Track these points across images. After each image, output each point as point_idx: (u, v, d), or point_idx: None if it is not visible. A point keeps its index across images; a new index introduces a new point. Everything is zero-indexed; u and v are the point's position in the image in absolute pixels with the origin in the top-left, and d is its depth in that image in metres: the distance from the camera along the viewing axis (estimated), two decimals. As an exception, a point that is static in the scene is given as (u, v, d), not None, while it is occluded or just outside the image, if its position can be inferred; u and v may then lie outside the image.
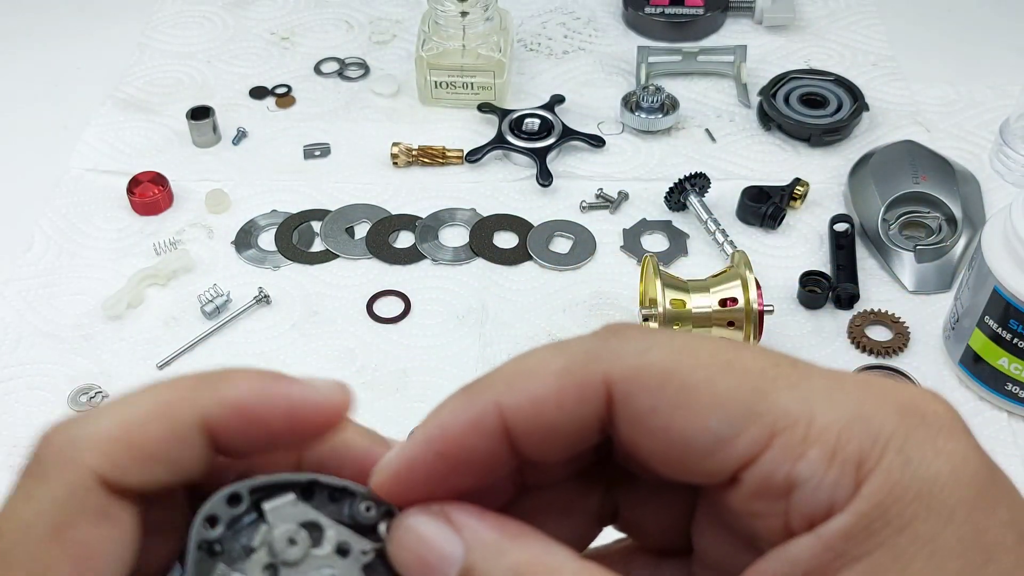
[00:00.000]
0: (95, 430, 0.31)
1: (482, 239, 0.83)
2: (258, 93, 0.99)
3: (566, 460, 0.30)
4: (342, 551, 0.32)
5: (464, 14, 0.92)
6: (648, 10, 1.05)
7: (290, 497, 0.32)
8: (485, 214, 0.86)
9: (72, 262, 0.83)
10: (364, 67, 1.02)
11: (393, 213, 0.86)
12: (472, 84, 0.95)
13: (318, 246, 0.84)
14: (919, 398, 0.26)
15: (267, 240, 0.84)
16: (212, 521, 0.31)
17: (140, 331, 0.77)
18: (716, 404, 0.26)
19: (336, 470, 0.33)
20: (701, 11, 1.05)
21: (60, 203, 0.88)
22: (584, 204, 0.86)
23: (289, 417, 0.32)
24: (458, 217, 0.86)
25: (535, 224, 0.84)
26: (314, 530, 0.32)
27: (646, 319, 0.72)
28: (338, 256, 0.83)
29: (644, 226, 0.85)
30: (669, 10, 1.04)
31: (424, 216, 0.85)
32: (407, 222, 0.85)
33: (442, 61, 0.94)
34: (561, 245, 0.84)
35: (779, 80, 0.95)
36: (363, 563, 0.33)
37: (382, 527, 0.33)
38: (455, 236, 0.85)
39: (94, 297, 0.79)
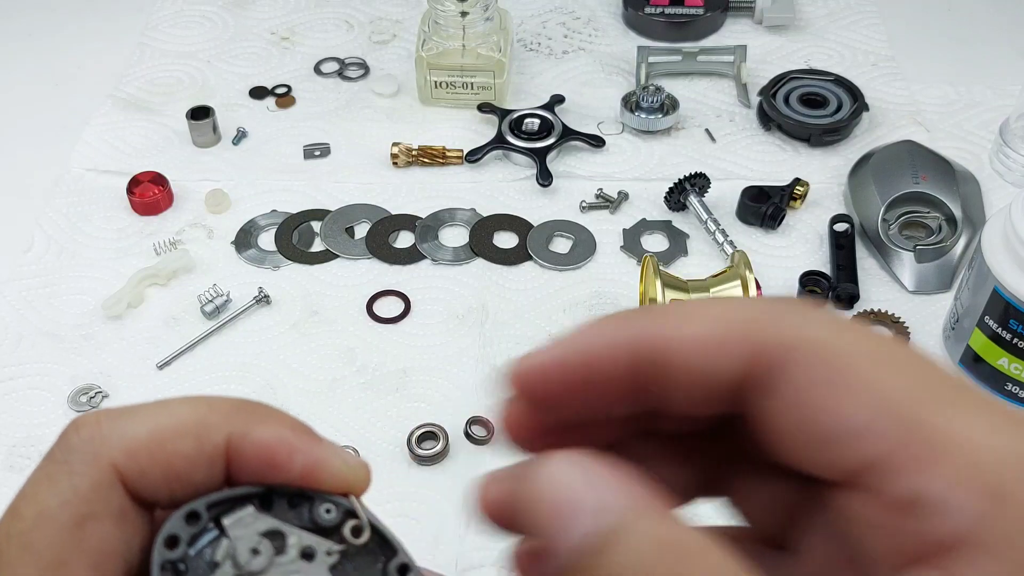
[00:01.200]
0: (127, 431, 0.31)
1: (482, 239, 0.83)
2: (258, 93, 0.99)
3: (689, 416, 0.28)
4: (307, 555, 0.32)
5: (464, 14, 0.92)
6: (648, 10, 1.05)
7: (249, 509, 0.32)
8: (485, 214, 0.86)
9: (72, 262, 0.83)
10: (364, 67, 1.02)
11: (393, 213, 0.86)
12: (472, 84, 0.95)
13: (318, 246, 0.84)
14: None
15: (267, 240, 0.84)
16: (172, 542, 0.31)
17: (140, 331, 0.77)
18: (871, 397, 0.24)
19: (285, 476, 0.33)
20: (701, 11, 1.05)
21: (60, 203, 0.88)
22: (584, 204, 0.86)
23: (304, 476, 0.32)
24: (458, 217, 0.86)
25: (535, 224, 0.84)
26: (276, 538, 0.32)
27: (646, 319, 0.72)
28: (338, 256, 0.83)
29: (644, 226, 0.85)
30: (669, 10, 1.04)
31: (424, 216, 0.85)
32: (407, 222, 0.85)
33: (442, 61, 0.94)
34: (561, 245, 0.84)
35: (779, 80, 0.95)
36: (329, 564, 0.33)
37: (345, 528, 0.33)
38: (455, 236, 0.85)
39: (94, 297, 0.79)
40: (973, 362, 0.70)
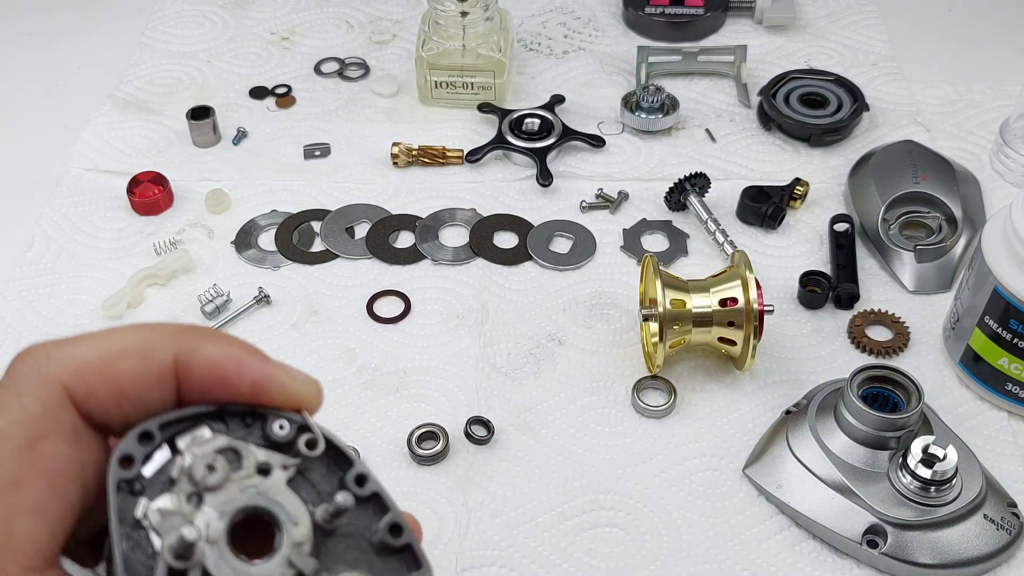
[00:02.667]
0: (73, 353, 0.31)
1: (482, 239, 0.83)
2: (258, 93, 0.99)
3: None
4: (263, 470, 0.33)
5: (464, 14, 0.92)
6: (648, 10, 1.05)
7: (203, 428, 0.32)
8: (485, 214, 0.86)
9: (72, 262, 0.83)
10: (364, 67, 1.02)
11: (393, 213, 0.86)
12: (472, 84, 0.95)
13: (318, 246, 0.84)
14: None
15: (267, 240, 0.84)
16: (127, 461, 0.31)
17: (140, 331, 0.77)
18: None
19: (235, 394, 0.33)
20: (701, 11, 1.05)
21: (60, 203, 0.88)
22: (584, 204, 0.86)
23: (254, 392, 0.33)
24: (458, 217, 0.86)
25: (535, 224, 0.84)
26: (232, 455, 0.32)
27: (646, 319, 0.72)
28: (338, 256, 0.83)
29: (644, 226, 0.85)
30: (669, 10, 1.04)
31: (424, 216, 0.85)
32: (407, 222, 0.85)
33: (442, 61, 0.94)
34: (561, 245, 0.84)
35: (779, 80, 0.95)
36: (286, 478, 0.33)
37: (300, 443, 0.33)
38: (455, 236, 0.85)
39: (94, 297, 0.79)
40: (973, 362, 0.70)
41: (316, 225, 0.85)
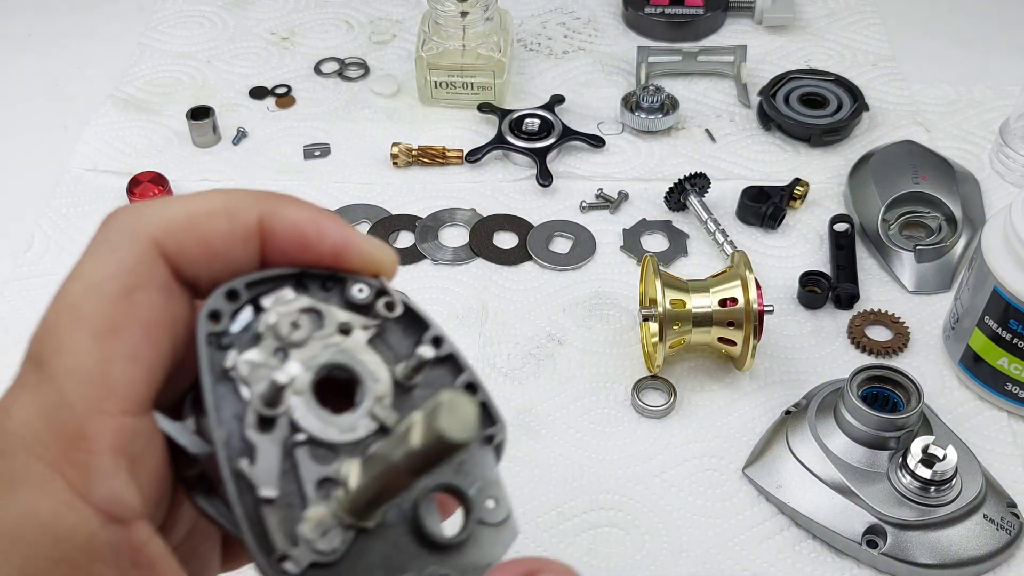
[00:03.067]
0: (163, 212, 0.33)
1: (482, 239, 0.83)
2: (258, 93, 0.99)
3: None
4: (344, 330, 0.34)
5: (464, 14, 0.92)
6: (648, 10, 1.05)
7: (286, 289, 0.34)
8: (485, 214, 0.86)
9: (72, 262, 0.82)
10: (364, 67, 1.02)
11: (393, 213, 0.86)
12: (472, 84, 0.95)
13: (318, 246, 0.84)
14: None
15: (267, 240, 0.84)
16: (215, 316, 0.32)
17: (140, 331, 0.77)
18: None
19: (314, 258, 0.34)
20: (701, 11, 1.05)
21: (60, 203, 0.88)
22: (584, 204, 0.86)
23: (334, 254, 0.34)
24: (458, 217, 0.86)
25: (535, 224, 0.84)
26: (314, 315, 0.34)
27: (646, 319, 0.72)
28: (338, 256, 0.82)
29: (644, 226, 0.85)
30: (669, 10, 1.04)
31: (424, 216, 0.85)
32: (407, 222, 0.85)
33: (442, 61, 0.94)
34: (561, 245, 0.84)
35: (779, 80, 0.95)
36: (367, 338, 0.34)
37: (379, 305, 0.35)
38: (455, 236, 0.85)
39: (94, 297, 0.79)
40: (973, 362, 0.70)
41: (316, 225, 0.85)
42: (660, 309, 0.68)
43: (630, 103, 0.93)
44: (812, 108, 0.93)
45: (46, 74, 1.04)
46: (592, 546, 0.63)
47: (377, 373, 0.34)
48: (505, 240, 0.84)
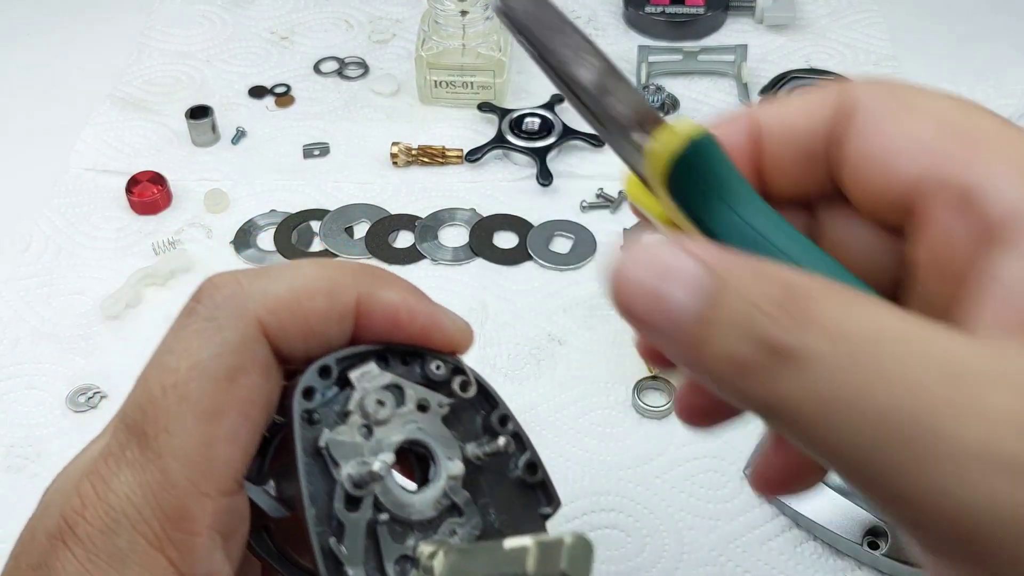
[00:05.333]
0: (268, 289, 0.33)
1: (482, 239, 0.83)
2: (257, 92, 0.99)
3: (792, 178, 0.32)
4: (422, 407, 0.35)
5: (464, 13, 0.91)
6: (648, 9, 1.04)
7: (371, 365, 0.35)
8: (485, 214, 0.85)
9: (70, 262, 0.82)
10: (364, 66, 1.02)
11: (392, 213, 0.86)
12: (472, 83, 0.94)
13: (317, 246, 0.83)
14: None
15: (266, 240, 0.84)
16: (309, 393, 0.33)
17: (139, 331, 0.77)
18: (920, 120, 0.28)
19: (400, 335, 0.35)
20: (702, 10, 1.04)
21: (58, 203, 0.87)
22: (584, 204, 0.86)
23: (422, 335, 0.35)
24: (458, 217, 0.85)
25: (535, 224, 0.84)
26: (396, 392, 0.35)
27: (647, 319, 0.72)
28: (337, 256, 0.82)
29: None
30: (670, 9, 1.04)
31: (424, 216, 0.85)
32: (406, 222, 0.85)
33: (442, 60, 0.93)
34: (561, 245, 0.83)
35: (780, 79, 0.95)
36: (442, 415, 0.36)
37: (455, 383, 0.36)
38: (455, 236, 0.84)
39: (92, 297, 0.79)
40: (975, 363, 0.69)
41: (315, 225, 0.85)
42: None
43: (631, 102, 0.93)
44: (813, 107, 0.92)
45: (44, 73, 1.04)
46: (592, 547, 0.63)
47: (450, 451, 0.36)
48: (505, 240, 0.84)
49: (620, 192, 0.87)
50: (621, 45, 1.04)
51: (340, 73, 1.01)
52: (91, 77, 1.02)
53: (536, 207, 0.86)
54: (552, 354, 0.75)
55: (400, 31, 1.07)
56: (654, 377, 0.72)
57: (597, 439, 0.69)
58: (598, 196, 0.87)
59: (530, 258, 0.82)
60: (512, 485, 0.37)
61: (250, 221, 0.85)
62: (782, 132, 0.31)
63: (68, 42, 1.08)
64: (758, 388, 0.24)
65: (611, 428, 0.70)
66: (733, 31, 1.06)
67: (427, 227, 0.84)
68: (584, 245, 0.83)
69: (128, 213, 0.86)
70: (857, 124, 0.29)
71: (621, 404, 0.71)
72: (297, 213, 0.86)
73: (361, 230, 0.85)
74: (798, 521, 0.63)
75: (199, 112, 0.92)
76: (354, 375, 0.34)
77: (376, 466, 0.32)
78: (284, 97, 0.98)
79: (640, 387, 0.71)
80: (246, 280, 0.33)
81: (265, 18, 1.09)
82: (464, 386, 0.37)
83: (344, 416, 0.34)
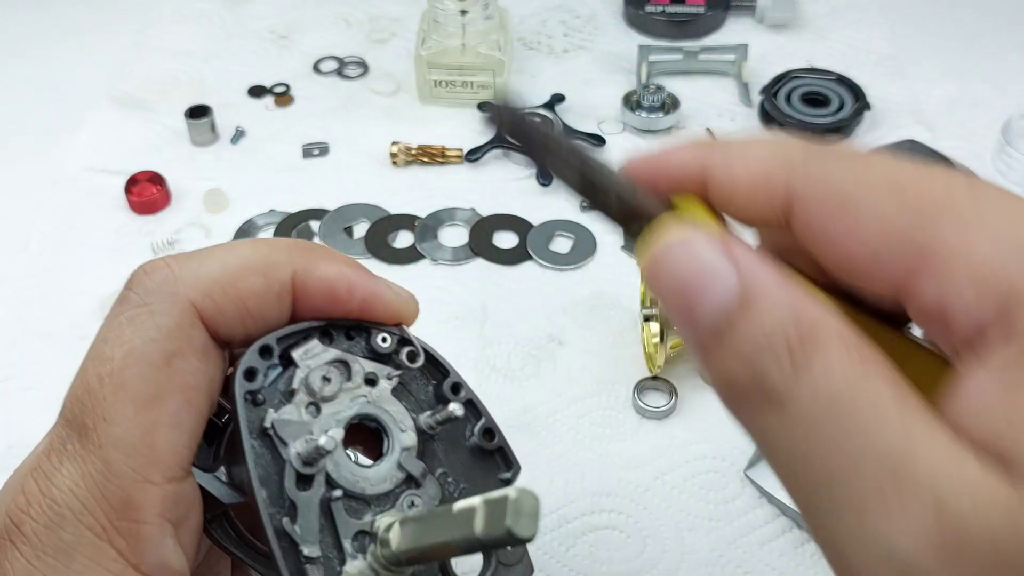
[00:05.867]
0: (200, 271, 0.32)
1: (482, 239, 0.83)
2: (256, 92, 0.99)
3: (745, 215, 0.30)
4: (370, 381, 0.35)
5: (464, 12, 0.91)
6: (649, 8, 1.04)
7: (313, 342, 0.34)
8: (485, 214, 0.85)
9: (69, 261, 0.82)
10: (363, 66, 1.02)
11: (392, 213, 0.85)
12: (472, 83, 0.94)
13: (317, 246, 0.83)
14: None
15: (265, 240, 0.84)
16: (251, 374, 0.33)
17: (137, 331, 0.76)
18: (877, 229, 0.26)
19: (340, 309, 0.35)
20: (702, 10, 1.04)
21: (57, 202, 0.87)
22: (585, 204, 0.86)
23: (363, 307, 0.35)
24: (457, 217, 0.85)
25: (535, 224, 0.84)
26: (342, 367, 0.35)
27: (647, 319, 0.72)
28: (337, 256, 0.82)
29: (645, 226, 0.84)
30: (670, 8, 1.04)
31: (423, 216, 0.85)
32: (406, 222, 0.85)
33: (442, 60, 0.93)
34: (561, 245, 0.83)
35: (781, 79, 0.95)
36: (391, 388, 0.36)
37: (402, 354, 0.36)
38: (454, 236, 0.84)
39: (91, 297, 0.79)
40: (977, 363, 0.69)
41: (314, 224, 0.85)
42: (661, 309, 0.67)
43: (631, 102, 0.93)
44: (814, 107, 0.92)
45: (43, 73, 1.04)
46: (593, 549, 0.63)
47: (403, 423, 0.35)
48: (505, 240, 0.83)
49: (620, 192, 0.87)
50: (621, 44, 1.04)
51: (339, 72, 1.01)
52: (90, 76, 1.02)
53: (536, 207, 0.86)
54: (552, 354, 0.74)
55: (399, 30, 1.07)
56: (654, 377, 0.71)
57: (597, 439, 0.69)
58: (598, 196, 0.87)
59: (530, 258, 0.82)
60: (469, 453, 0.37)
61: (249, 221, 0.85)
62: (732, 187, 0.29)
63: (67, 41, 1.07)
64: (744, 413, 0.26)
65: (611, 428, 0.70)
66: (733, 31, 1.06)
67: (427, 227, 0.84)
68: (584, 245, 0.82)
69: (127, 213, 0.86)
70: (811, 230, 0.28)
71: (621, 404, 0.71)
72: (296, 213, 0.85)
73: (360, 230, 0.84)
74: (799, 522, 0.63)
75: (198, 112, 0.92)
76: (297, 353, 0.34)
77: (322, 440, 0.32)
78: (283, 96, 0.98)
79: (640, 387, 0.71)
80: (176, 264, 0.32)
81: (264, 17, 1.09)
82: (412, 356, 0.36)
83: (289, 395, 0.34)
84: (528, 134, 0.33)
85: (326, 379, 0.34)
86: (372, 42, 1.05)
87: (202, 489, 0.34)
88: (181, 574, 0.31)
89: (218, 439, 0.35)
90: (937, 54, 1.03)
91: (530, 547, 0.63)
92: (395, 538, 0.32)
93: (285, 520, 0.32)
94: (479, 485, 0.37)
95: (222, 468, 0.35)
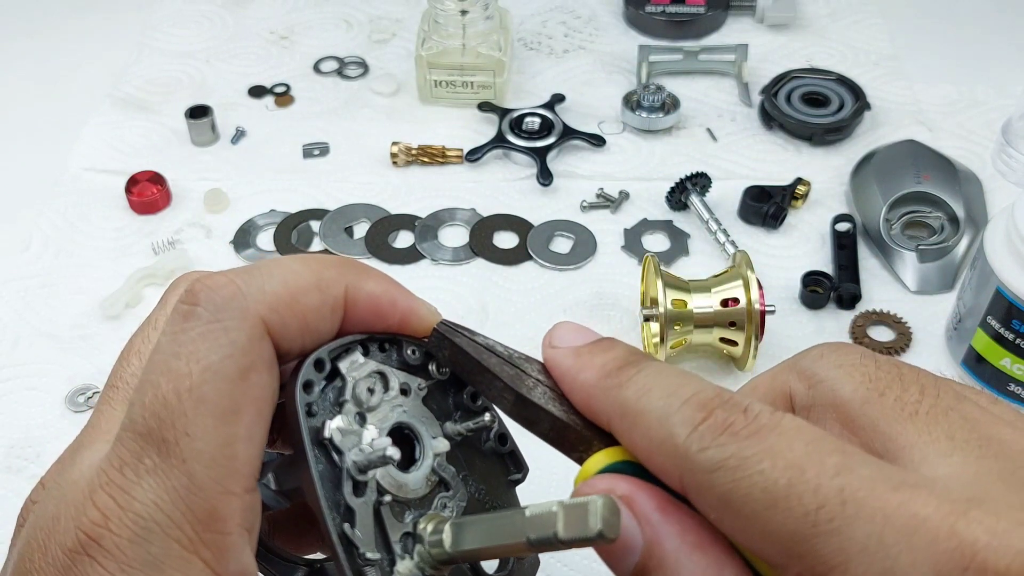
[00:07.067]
0: (264, 287, 0.34)
1: (482, 239, 0.83)
2: (257, 92, 0.99)
3: None
4: (404, 391, 0.38)
5: (464, 12, 0.91)
6: (649, 8, 1.04)
7: (356, 355, 0.36)
8: (485, 214, 0.85)
9: (70, 262, 0.82)
10: (363, 66, 1.02)
11: (392, 213, 0.86)
12: (472, 83, 0.94)
13: (317, 246, 0.83)
14: (967, 558, 0.25)
15: (266, 240, 0.84)
16: (308, 387, 0.35)
17: (138, 331, 0.76)
18: (763, 538, 0.28)
19: (374, 322, 0.37)
20: (702, 10, 1.04)
21: (58, 202, 0.87)
22: (585, 204, 0.86)
23: (401, 321, 0.37)
24: (458, 217, 0.85)
25: (535, 224, 0.84)
26: (380, 378, 0.37)
27: (647, 319, 0.72)
28: (337, 256, 0.82)
29: (645, 226, 0.84)
30: (670, 9, 1.04)
31: (424, 216, 0.85)
32: (406, 222, 0.85)
33: (442, 60, 0.93)
34: (561, 245, 0.83)
35: (781, 79, 0.95)
36: (422, 397, 0.38)
37: (431, 366, 0.39)
38: (455, 236, 0.84)
39: (92, 297, 0.79)
40: (976, 363, 0.69)
41: (315, 225, 0.85)
42: (661, 309, 0.67)
43: (631, 102, 0.93)
44: (814, 107, 0.92)
45: (45, 73, 1.04)
46: (593, 549, 0.63)
47: (432, 430, 0.38)
48: (505, 240, 0.84)
49: (620, 192, 0.87)
50: (621, 44, 1.04)
51: (340, 73, 1.01)
52: (91, 77, 1.02)
53: (536, 207, 0.86)
54: (552, 354, 0.74)
55: (400, 31, 1.07)
56: (654, 377, 0.71)
57: (597, 439, 0.69)
58: (598, 196, 0.87)
59: (530, 258, 0.82)
60: (485, 456, 0.40)
61: (250, 221, 0.85)
62: (632, 449, 0.33)
63: (68, 42, 1.08)
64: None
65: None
66: (734, 31, 1.06)
67: (427, 227, 0.84)
68: (584, 245, 0.82)
69: (128, 213, 0.86)
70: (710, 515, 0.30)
71: (621, 404, 0.71)
72: (297, 213, 0.86)
73: (361, 230, 0.85)
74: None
75: (199, 112, 0.92)
76: (343, 365, 0.36)
77: (390, 452, 0.34)
78: (284, 97, 0.98)
79: (640, 387, 0.71)
80: (241, 280, 0.33)
81: (265, 18, 1.09)
82: (440, 368, 0.39)
83: (339, 405, 0.35)
84: (465, 364, 0.36)
85: (371, 390, 0.36)
86: (372, 42, 1.06)
87: None
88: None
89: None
90: (937, 54, 1.03)
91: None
92: (448, 539, 0.34)
93: (346, 526, 0.33)
94: (494, 485, 0.40)
95: (269, 475, 0.36)
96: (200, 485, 0.30)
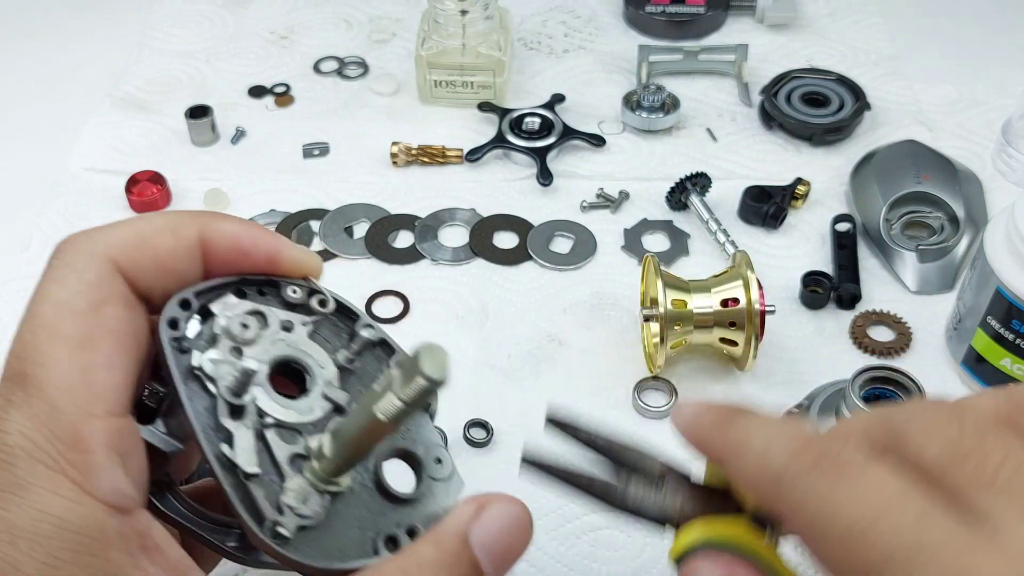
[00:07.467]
0: (113, 233, 0.36)
1: (482, 239, 0.83)
2: (257, 92, 0.99)
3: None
4: (286, 327, 0.39)
5: (464, 12, 0.91)
6: (649, 8, 1.04)
7: (229, 296, 0.38)
8: (485, 214, 0.85)
9: (70, 262, 0.82)
10: (363, 66, 1.02)
11: (392, 213, 0.86)
12: (472, 83, 0.94)
13: (317, 246, 0.83)
14: None
15: (266, 240, 0.84)
16: (174, 323, 0.36)
17: (138, 331, 0.77)
18: (842, 565, 0.32)
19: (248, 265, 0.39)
20: (702, 10, 1.04)
21: (58, 202, 0.87)
22: (585, 204, 0.86)
23: (269, 261, 0.38)
24: (458, 217, 0.85)
25: (535, 224, 0.84)
26: (258, 317, 0.38)
27: (647, 319, 0.72)
28: (337, 256, 0.82)
29: (645, 226, 0.84)
30: (670, 9, 1.04)
31: (423, 216, 0.85)
32: (406, 222, 0.85)
33: (442, 60, 0.93)
34: (561, 245, 0.83)
35: (781, 79, 0.95)
36: (307, 333, 0.39)
37: (312, 302, 0.40)
38: (455, 236, 0.84)
39: (92, 297, 0.79)
40: (976, 363, 0.69)
41: (315, 224, 0.85)
42: (661, 309, 0.67)
43: (631, 102, 0.93)
44: (814, 107, 0.92)
45: (44, 73, 1.04)
46: (593, 549, 0.63)
47: (322, 361, 0.39)
48: (505, 240, 0.84)
49: (620, 192, 0.87)
50: (621, 44, 1.04)
51: (340, 73, 1.01)
52: (91, 77, 1.02)
53: (536, 207, 0.86)
54: (552, 354, 0.74)
55: (400, 30, 1.07)
56: (655, 377, 0.72)
57: (597, 439, 0.69)
58: (598, 196, 0.87)
59: (530, 258, 0.82)
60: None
61: (250, 221, 0.85)
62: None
63: (68, 42, 1.08)
64: None
65: (611, 428, 0.69)
66: (734, 31, 1.06)
67: (427, 227, 0.84)
68: (584, 245, 0.82)
69: (128, 213, 0.86)
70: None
71: (621, 404, 0.71)
72: (297, 213, 0.86)
73: (361, 230, 0.85)
74: (798, 522, 0.63)
75: (199, 112, 0.92)
76: (215, 307, 0.37)
77: (249, 364, 0.35)
78: (284, 97, 0.98)
79: (640, 387, 0.71)
80: (94, 231, 0.36)
81: (265, 18, 1.09)
82: (322, 303, 0.40)
83: (212, 341, 0.37)
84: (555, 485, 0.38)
85: (245, 325, 0.37)
86: (372, 42, 1.06)
87: (146, 445, 0.36)
88: (133, 500, 0.33)
89: (159, 409, 0.38)
90: (937, 54, 1.03)
91: (529, 548, 0.63)
92: (327, 446, 0.35)
93: (224, 447, 0.34)
94: None
95: (158, 420, 0.37)
96: (60, 410, 0.32)
